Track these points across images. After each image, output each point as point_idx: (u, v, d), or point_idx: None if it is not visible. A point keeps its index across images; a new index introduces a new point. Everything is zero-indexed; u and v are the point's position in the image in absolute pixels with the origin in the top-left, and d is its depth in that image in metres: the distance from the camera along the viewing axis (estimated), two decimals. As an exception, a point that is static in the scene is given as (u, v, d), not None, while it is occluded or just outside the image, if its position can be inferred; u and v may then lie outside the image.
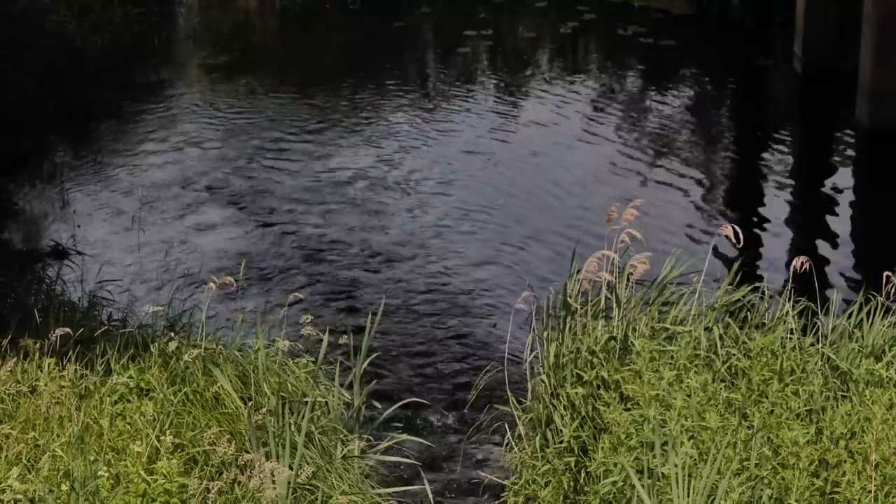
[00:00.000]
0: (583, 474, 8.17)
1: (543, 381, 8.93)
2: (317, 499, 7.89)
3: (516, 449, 9.06)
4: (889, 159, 16.51)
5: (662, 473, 7.12)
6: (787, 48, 20.17)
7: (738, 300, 9.21)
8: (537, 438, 8.74)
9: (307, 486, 7.90)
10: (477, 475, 9.50)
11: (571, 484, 8.26)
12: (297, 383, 9.02)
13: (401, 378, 11.23)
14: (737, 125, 19.06)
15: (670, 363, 8.24)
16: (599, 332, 8.91)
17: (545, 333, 9.27)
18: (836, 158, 17.24)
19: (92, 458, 7.69)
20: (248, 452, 7.90)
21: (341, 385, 9.37)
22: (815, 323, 8.79)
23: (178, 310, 10.01)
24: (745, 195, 16.12)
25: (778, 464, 7.19)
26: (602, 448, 7.79)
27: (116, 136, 18.39)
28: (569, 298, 9.16)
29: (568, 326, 9.13)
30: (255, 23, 25.17)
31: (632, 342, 8.58)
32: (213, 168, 16.83)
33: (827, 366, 8.33)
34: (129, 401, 8.52)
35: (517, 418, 9.18)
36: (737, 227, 8.99)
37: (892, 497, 6.97)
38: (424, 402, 10.36)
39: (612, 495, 7.48)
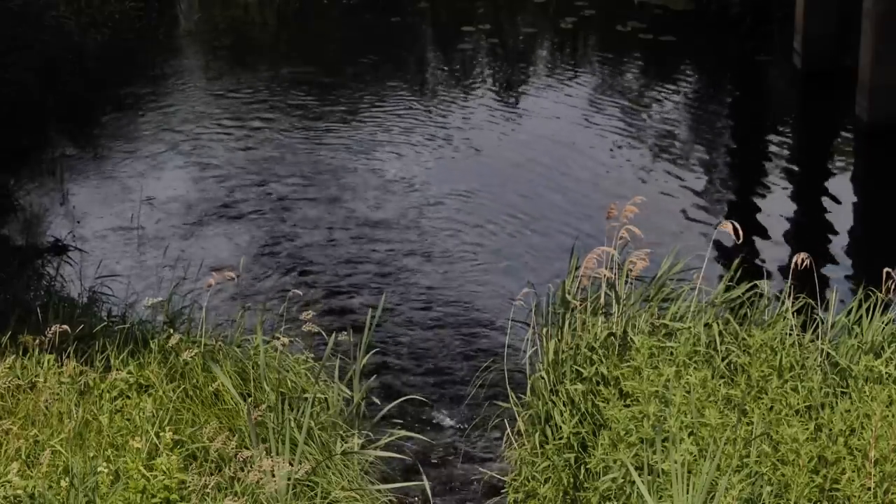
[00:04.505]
0: (582, 471, 8.17)
1: (543, 378, 8.93)
2: (316, 494, 7.89)
3: (516, 445, 9.07)
4: (889, 155, 16.50)
5: (662, 470, 7.13)
6: (787, 44, 20.15)
7: (738, 296, 9.21)
8: (537, 435, 8.75)
9: (307, 482, 7.90)
10: (476, 471, 9.51)
11: (571, 480, 8.26)
12: (296, 379, 9.02)
13: (400, 374, 11.23)
14: (736, 121, 19.05)
15: (670, 359, 8.24)
16: (599, 329, 8.91)
17: (544, 330, 9.27)
18: (836, 154, 17.24)
19: (91, 455, 7.70)
20: (247, 448, 7.90)
21: (341, 381, 9.37)
22: (815, 319, 8.78)
23: (177, 306, 9.99)
24: (744, 191, 16.12)
25: (777, 460, 7.20)
26: (602, 444, 7.79)
27: (116, 132, 18.38)
28: (568, 295, 9.16)
29: (567, 323, 9.13)
30: (254, 18, 25.15)
31: (631, 338, 8.59)
32: (213, 163, 16.83)
33: (826, 362, 8.33)
34: (128, 397, 8.53)
35: (517, 415, 9.19)
36: (736, 224, 8.99)
37: (892, 494, 6.97)
38: (424, 398, 10.35)
39: (611, 492, 7.48)
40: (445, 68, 21.68)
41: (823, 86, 18.82)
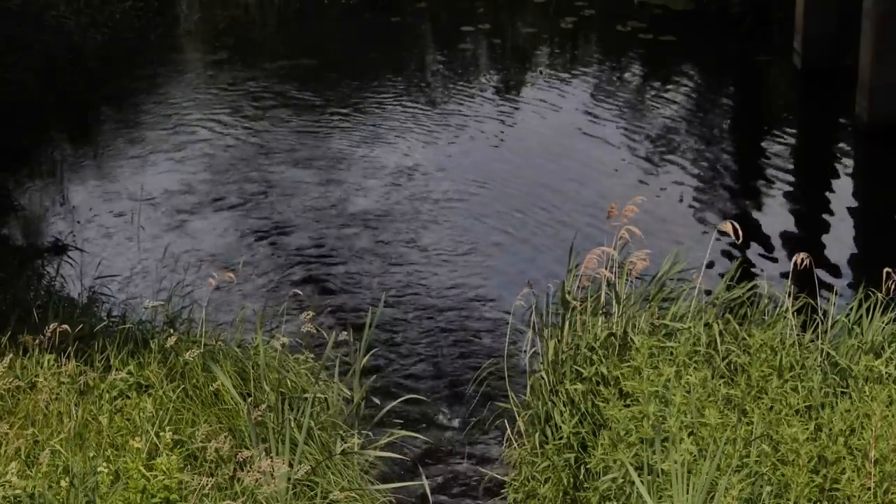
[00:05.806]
0: (582, 471, 8.17)
1: (543, 378, 8.94)
2: (316, 494, 7.89)
3: (516, 445, 9.07)
4: (889, 155, 16.50)
5: (662, 470, 7.12)
6: (787, 44, 20.15)
7: (738, 296, 9.21)
8: (537, 435, 8.75)
9: (306, 482, 7.90)
10: (476, 471, 9.50)
11: (571, 480, 8.26)
12: (296, 379, 9.02)
13: (400, 374, 11.23)
14: (736, 121, 19.05)
15: (670, 359, 8.24)
16: (599, 329, 8.91)
17: (544, 330, 9.27)
18: (836, 154, 17.24)
19: (91, 454, 7.69)
20: (247, 449, 7.90)
21: (341, 380, 9.37)
22: (815, 319, 8.78)
23: (177, 305, 9.99)
24: (744, 191, 16.12)
25: (777, 460, 7.20)
26: (601, 444, 7.79)
27: (116, 132, 18.38)
28: (567, 295, 9.16)
29: (567, 323, 9.13)
30: (254, 18, 25.15)
31: (631, 338, 8.58)
32: (213, 163, 16.82)
33: (826, 362, 8.33)
34: (128, 397, 8.52)
35: (517, 415, 9.19)
36: (736, 224, 8.98)
37: (892, 494, 6.97)
38: (424, 398, 10.35)
39: (611, 492, 7.48)
40: (445, 68, 21.68)
41: (823, 86, 18.82)
